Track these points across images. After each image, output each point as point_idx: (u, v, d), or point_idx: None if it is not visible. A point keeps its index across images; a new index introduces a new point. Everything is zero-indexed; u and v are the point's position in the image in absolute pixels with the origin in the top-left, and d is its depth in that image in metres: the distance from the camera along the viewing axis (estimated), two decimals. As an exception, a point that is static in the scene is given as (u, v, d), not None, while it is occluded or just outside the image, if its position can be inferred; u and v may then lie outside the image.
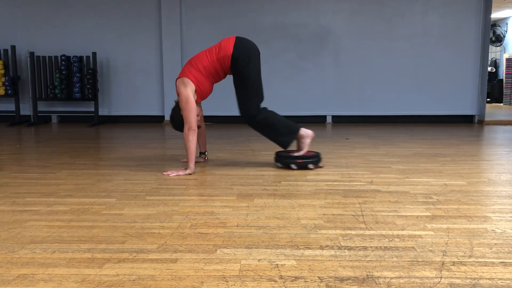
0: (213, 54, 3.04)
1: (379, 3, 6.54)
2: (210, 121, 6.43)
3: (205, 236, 1.79)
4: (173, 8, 6.50)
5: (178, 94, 3.03)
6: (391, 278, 1.40)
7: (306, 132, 3.17)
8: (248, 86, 3.05)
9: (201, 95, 3.09)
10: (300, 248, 1.65)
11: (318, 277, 1.42)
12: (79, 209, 2.18)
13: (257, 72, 3.09)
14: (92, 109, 6.68)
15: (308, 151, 3.21)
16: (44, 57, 6.52)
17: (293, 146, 3.25)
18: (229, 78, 3.23)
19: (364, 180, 2.81)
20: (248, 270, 1.47)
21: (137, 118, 6.84)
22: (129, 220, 2.00)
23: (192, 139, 2.98)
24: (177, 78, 3.07)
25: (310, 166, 3.12)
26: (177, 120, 3.10)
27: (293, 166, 3.11)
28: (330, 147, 4.17)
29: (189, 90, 2.99)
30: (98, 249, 1.65)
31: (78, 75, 6.37)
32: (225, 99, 5.74)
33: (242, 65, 3.00)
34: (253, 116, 3.09)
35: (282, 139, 3.15)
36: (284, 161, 3.15)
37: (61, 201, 2.32)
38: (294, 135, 3.15)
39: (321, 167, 3.18)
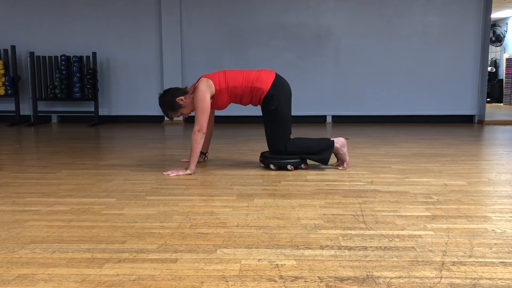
0: (249, 81, 3.03)
1: (379, 3, 6.54)
2: (210, 121, 6.43)
3: (205, 236, 1.79)
4: (173, 8, 6.51)
5: (195, 90, 3.01)
6: (391, 278, 1.40)
7: (340, 143, 3.13)
8: (279, 123, 3.08)
9: (215, 104, 3.08)
10: (300, 248, 1.65)
11: (318, 277, 1.42)
12: (79, 209, 2.18)
13: (288, 111, 3.13)
14: (92, 109, 6.68)
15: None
16: (44, 57, 6.52)
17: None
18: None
19: (364, 180, 2.81)
20: (248, 270, 1.47)
21: (137, 118, 6.84)
22: (129, 220, 2.00)
23: (200, 141, 2.97)
24: (203, 76, 3.05)
25: (289, 167, 3.10)
26: (165, 102, 3.08)
27: (271, 166, 3.12)
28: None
29: (208, 92, 2.98)
30: (98, 249, 1.65)
31: (78, 75, 6.38)
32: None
33: (276, 104, 3.03)
34: (281, 151, 3.10)
35: (321, 157, 3.10)
36: (266, 161, 3.15)
37: (61, 201, 2.32)
38: (331, 149, 3.10)
39: (303, 168, 3.17)
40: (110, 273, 1.44)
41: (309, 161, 3.21)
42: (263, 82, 3.02)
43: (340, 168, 3.14)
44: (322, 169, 3.14)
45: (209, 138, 3.44)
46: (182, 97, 3.04)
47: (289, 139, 3.11)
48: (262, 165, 3.22)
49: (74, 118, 6.89)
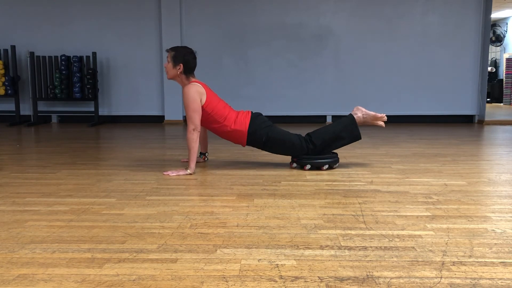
0: (228, 121, 3.06)
1: (379, 3, 6.54)
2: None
3: (205, 236, 1.79)
4: (173, 8, 6.51)
5: (186, 89, 2.99)
6: (391, 278, 1.40)
7: (358, 112, 3.16)
8: (281, 140, 3.09)
9: None
10: (300, 248, 1.65)
11: (318, 277, 1.42)
12: (79, 209, 2.18)
13: (277, 129, 3.13)
14: (92, 109, 6.68)
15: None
16: (44, 57, 6.52)
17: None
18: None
19: (364, 180, 2.81)
20: (248, 270, 1.47)
21: (137, 118, 6.84)
22: (129, 220, 2.00)
23: (196, 139, 2.98)
24: (201, 83, 3.04)
25: (325, 167, 3.10)
26: (181, 52, 3.04)
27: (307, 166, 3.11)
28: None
29: (198, 96, 2.99)
30: (98, 249, 1.65)
31: (78, 75, 6.38)
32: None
33: (264, 134, 3.07)
34: (311, 150, 3.09)
35: (352, 136, 3.12)
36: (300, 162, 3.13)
37: (61, 201, 2.32)
38: (354, 122, 3.12)
39: (333, 168, 3.17)
40: (110, 273, 1.44)
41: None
42: (241, 123, 3.08)
43: (382, 123, 3.17)
44: (322, 169, 3.14)
45: (205, 138, 3.45)
46: (182, 69, 3.04)
47: (310, 135, 3.11)
48: (294, 165, 3.18)
49: (74, 118, 6.89)
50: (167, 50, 3.11)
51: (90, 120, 6.70)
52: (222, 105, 3.11)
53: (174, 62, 3.05)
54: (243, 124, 3.08)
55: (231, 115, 3.10)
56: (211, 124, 3.09)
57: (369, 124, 3.21)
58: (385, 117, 3.18)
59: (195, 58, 3.09)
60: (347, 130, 3.11)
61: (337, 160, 3.15)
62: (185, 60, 3.03)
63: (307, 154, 3.10)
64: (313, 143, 3.08)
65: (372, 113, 3.16)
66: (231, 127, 3.07)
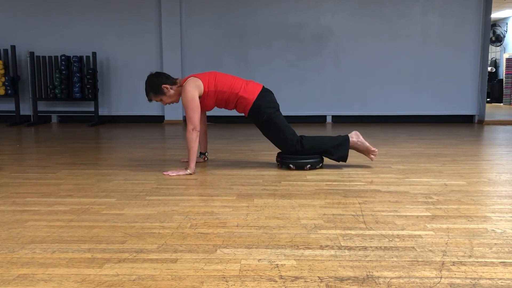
0: (236, 88, 3.05)
1: (379, 3, 6.54)
2: (210, 121, 6.43)
3: (205, 236, 1.79)
4: (173, 8, 6.51)
5: (183, 90, 3.01)
6: (391, 278, 1.40)
7: (354, 136, 3.16)
8: (279, 127, 3.08)
9: (201, 105, 3.09)
10: (300, 248, 1.65)
11: (318, 277, 1.42)
12: (79, 209, 2.18)
13: (282, 116, 3.12)
14: (92, 109, 6.68)
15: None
16: (44, 57, 6.52)
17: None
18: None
19: (364, 180, 2.81)
20: (248, 270, 1.47)
21: (137, 118, 6.84)
22: (129, 220, 2.00)
23: (195, 139, 2.98)
24: (191, 76, 3.06)
25: (307, 167, 3.11)
26: (151, 82, 3.08)
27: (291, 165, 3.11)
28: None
29: (197, 91, 3.00)
30: (98, 249, 1.65)
31: (78, 75, 6.38)
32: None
33: (267, 113, 3.05)
34: (298, 151, 3.09)
35: (339, 155, 3.12)
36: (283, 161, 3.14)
37: (61, 201, 2.32)
38: (347, 143, 3.12)
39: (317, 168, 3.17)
40: (110, 273, 1.44)
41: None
42: (250, 92, 3.06)
43: (372, 157, 3.18)
44: (322, 169, 3.14)
45: (205, 137, 3.45)
46: (168, 86, 3.07)
47: (303, 137, 3.12)
48: (278, 164, 3.20)
49: (74, 118, 6.89)
50: (150, 100, 3.15)
51: (90, 120, 6.70)
52: (223, 76, 3.10)
53: (161, 92, 3.07)
54: (251, 93, 3.06)
55: (238, 82, 3.08)
56: (222, 97, 3.06)
57: (359, 152, 3.21)
58: (377, 152, 3.21)
59: (157, 73, 3.11)
60: (337, 148, 3.12)
61: (320, 161, 3.15)
62: (161, 82, 3.06)
63: (293, 154, 3.11)
64: (302, 145, 3.08)
65: (367, 144, 3.17)
66: (239, 93, 3.04)
